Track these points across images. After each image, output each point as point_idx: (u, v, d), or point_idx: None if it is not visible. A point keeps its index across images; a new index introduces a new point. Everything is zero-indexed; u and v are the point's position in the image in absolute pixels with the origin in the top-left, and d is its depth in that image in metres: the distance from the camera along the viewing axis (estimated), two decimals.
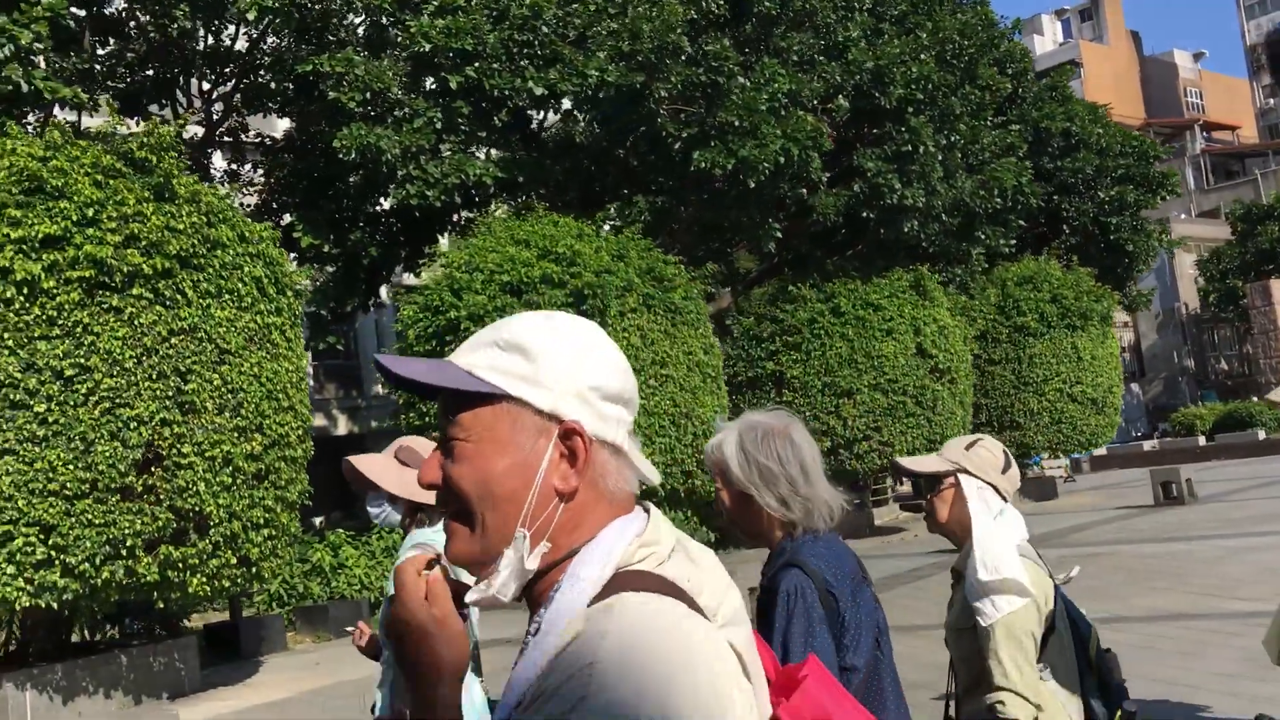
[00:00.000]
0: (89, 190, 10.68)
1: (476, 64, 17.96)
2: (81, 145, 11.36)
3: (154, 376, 10.66)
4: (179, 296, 10.89)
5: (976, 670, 3.01)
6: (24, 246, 10.25)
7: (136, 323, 10.60)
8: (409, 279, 25.32)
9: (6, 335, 10.11)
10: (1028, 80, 29.03)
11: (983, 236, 23.23)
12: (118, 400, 10.43)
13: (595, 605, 1.12)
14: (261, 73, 20.00)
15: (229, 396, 11.16)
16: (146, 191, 11.14)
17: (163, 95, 21.15)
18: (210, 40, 19.94)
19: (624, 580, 1.14)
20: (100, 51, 19.66)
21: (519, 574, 1.18)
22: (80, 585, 10.31)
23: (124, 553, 10.48)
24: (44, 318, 10.24)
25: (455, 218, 20.90)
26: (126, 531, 10.42)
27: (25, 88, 15.30)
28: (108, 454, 10.32)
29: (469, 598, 1.22)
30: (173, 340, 10.80)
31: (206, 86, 21.85)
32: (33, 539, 10.06)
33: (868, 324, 21.11)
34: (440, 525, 3.68)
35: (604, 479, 1.21)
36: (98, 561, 10.32)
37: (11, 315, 10.14)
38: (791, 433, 2.60)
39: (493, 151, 19.68)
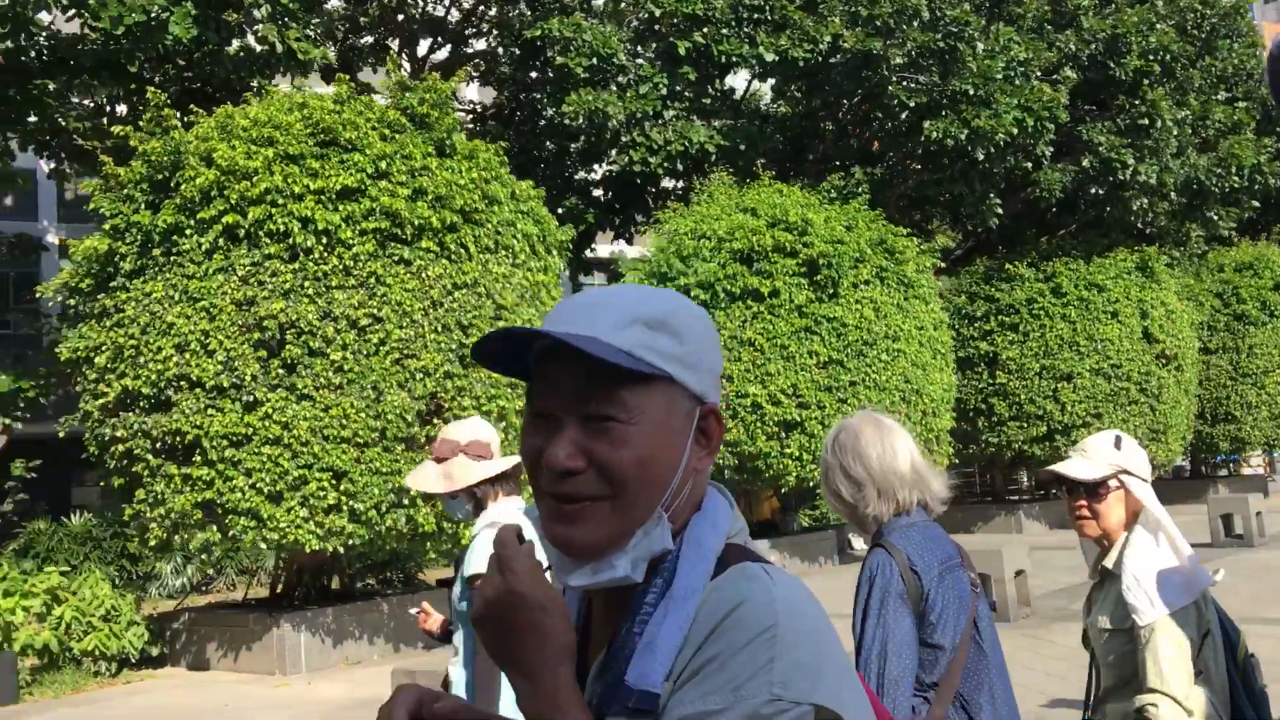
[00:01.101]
0: (379, 144, 10.82)
1: (705, 29, 17.74)
2: (364, 100, 11.52)
3: (439, 329, 10.76)
4: (461, 251, 10.97)
5: (1126, 671, 2.92)
6: (322, 197, 10.44)
7: (424, 275, 10.71)
8: (616, 248, 25.34)
9: (307, 284, 10.31)
10: (1256, 54, 27.42)
11: (1216, 218, 22.04)
12: (406, 351, 10.56)
13: (731, 571, 1.13)
14: (486, 38, 20.12)
15: None
16: (429, 146, 11.24)
17: (378, 59, 21.53)
18: (428, 6, 20.18)
19: (736, 553, 1.16)
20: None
21: (651, 553, 1.16)
22: (366, 531, 10.49)
23: (406, 502, 10.63)
24: (340, 267, 10.42)
25: (670, 185, 20.78)
26: None
27: (279, 47, 15.70)
28: (396, 403, 10.46)
29: (574, 582, 1.16)
30: (456, 294, 10.89)
31: (423, 52, 22.17)
32: (325, 484, 10.27)
33: (1091, 305, 20.25)
34: (509, 502, 3.50)
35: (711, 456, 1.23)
36: (383, 509, 10.48)
37: (311, 264, 10.34)
38: (880, 430, 2.71)
39: (712, 120, 19.46)
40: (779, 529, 18.70)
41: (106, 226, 10.57)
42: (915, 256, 17.06)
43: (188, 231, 10.36)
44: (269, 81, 16.55)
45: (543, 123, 19.93)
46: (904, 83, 18.17)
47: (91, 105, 19.02)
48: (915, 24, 17.73)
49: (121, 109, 19.79)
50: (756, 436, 15.79)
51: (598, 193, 21.31)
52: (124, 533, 19.36)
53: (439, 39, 22.07)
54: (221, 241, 10.32)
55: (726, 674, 1.06)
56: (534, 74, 19.59)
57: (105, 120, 18.59)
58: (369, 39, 21.99)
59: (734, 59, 17.72)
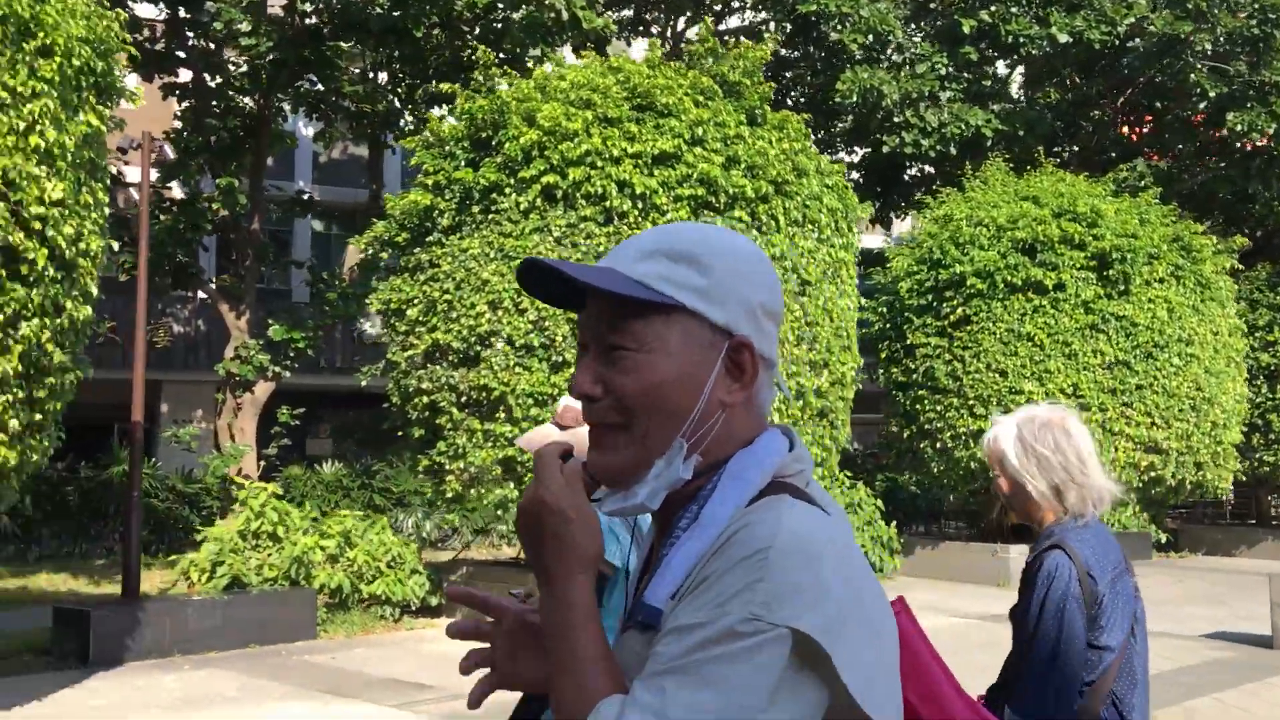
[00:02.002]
0: (694, 110, 10.66)
1: (993, 7, 16.96)
2: (676, 66, 11.39)
3: None
4: (771, 222, 10.72)
5: None
6: (639, 162, 10.34)
7: None
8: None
9: None
10: None
11: None
12: None
13: (761, 501, 1.15)
14: (744, 13, 19.84)
15: (806, 329, 10.92)
16: (740, 115, 11.03)
17: (635, 31, 21.53)
18: None
19: (779, 487, 1.17)
20: None
21: (671, 483, 1.18)
22: None
23: None
24: None
25: (929, 170, 20.08)
26: None
27: (565, 15, 15.80)
28: None
29: (607, 508, 1.21)
30: None
31: (681, 26, 22.06)
32: None
33: None
34: None
35: (758, 393, 1.23)
36: None
37: (625, 229, 10.27)
38: (1068, 424, 2.71)
39: (989, 103, 18.65)
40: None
41: (428, 182, 10.77)
42: (1212, 256, 15.91)
43: (507, 190, 10.44)
44: (551, 49, 16.72)
45: (803, 100, 19.53)
46: (1209, 70, 16.96)
47: (358, 70, 19.63)
48: (1224, 7, 16.50)
49: (383, 76, 20.47)
50: None
51: (854, 175, 20.78)
52: (370, 482, 20.13)
53: (695, 13, 21.92)
54: (539, 201, 10.36)
55: (715, 590, 1.08)
56: (799, 50, 19.18)
57: (367, 86, 19.10)
58: (627, 12, 22.03)
59: (1021, 39, 16.89)
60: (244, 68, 17.92)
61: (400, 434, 11.70)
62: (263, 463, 19.74)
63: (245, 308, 18.90)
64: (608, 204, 10.24)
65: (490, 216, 10.54)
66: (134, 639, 9.78)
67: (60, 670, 9.31)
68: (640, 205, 10.29)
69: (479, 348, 10.49)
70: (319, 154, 27.01)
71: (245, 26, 15.47)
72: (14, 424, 6.66)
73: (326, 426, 26.28)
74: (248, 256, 19.19)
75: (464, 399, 10.62)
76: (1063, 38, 16.56)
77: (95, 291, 7.31)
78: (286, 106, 19.64)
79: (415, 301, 10.94)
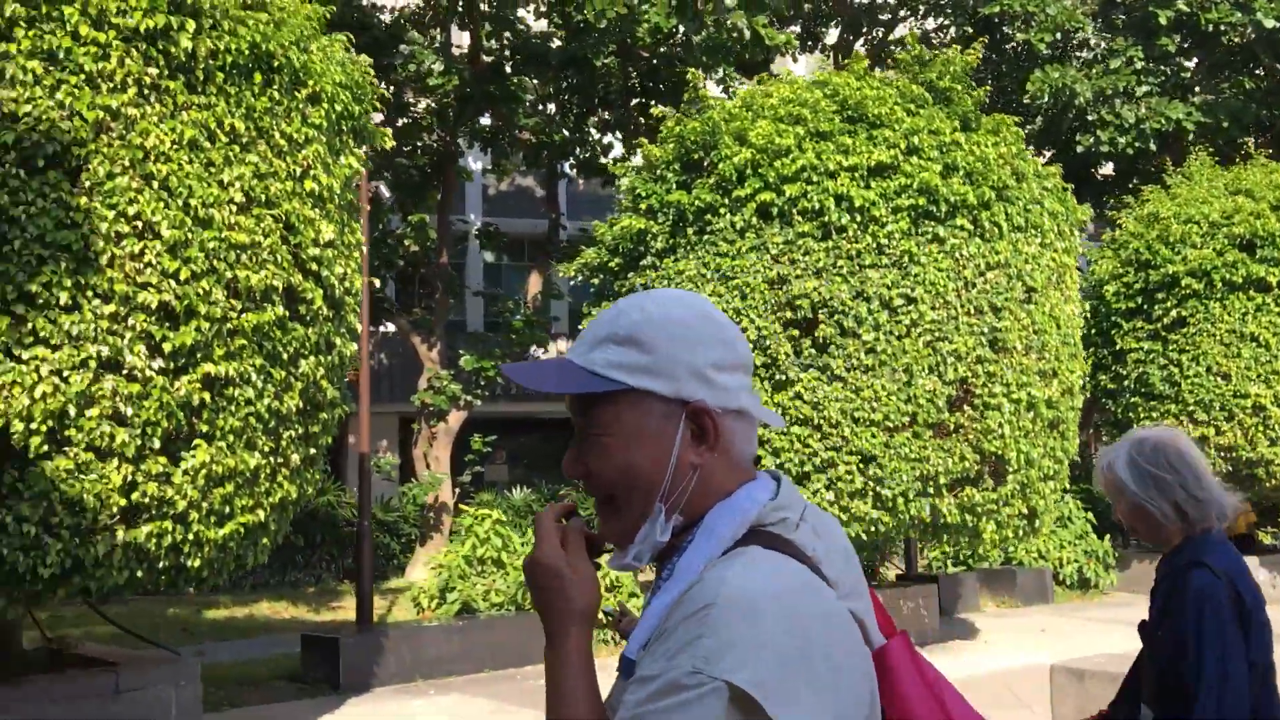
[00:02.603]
0: (907, 120, 10.45)
1: None
2: (881, 76, 11.20)
3: (971, 311, 10.27)
4: (994, 229, 10.41)
5: None
6: (855, 174, 10.19)
7: (958, 254, 10.24)
8: None
9: (840, 263, 10.10)
10: None
11: None
12: (938, 334, 10.13)
13: (732, 552, 1.22)
14: (940, 16, 19.46)
15: (1034, 337, 10.56)
16: (954, 121, 10.77)
17: (804, 47, 21.34)
18: None
19: (756, 538, 1.23)
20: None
21: (653, 545, 1.28)
22: (890, 519, 10.16)
23: (931, 490, 10.20)
24: (874, 246, 10.13)
25: (1117, 169, 19.31)
26: (938, 469, 10.12)
27: (747, 34, 15.77)
28: (927, 388, 10.06)
29: (611, 565, 1.31)
30: (988, 274, 10.35)
31: (846, 36, 21.77)
32: (853, 468, 10.02)
33: None
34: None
35: (732, 445, 1.29)
36: (910, 496, 10.11)
37: (845, 243, 10.13)
38: (1179, 443, 2.74)
39: (1188, 95, 17.84)
40: (1254, 544, 16.87)
41: (642, 206, 10.82)
42: None
43: (721, 210, 10.41)
44: (731, 69, 16.73)
45: (987, 102, 19.00)
46: None
47: (531, 101, 19.91)
48: None
49: (551, 107, 20.81)
50: (1257, 441, 14.27)
51: None
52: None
53: (869, 25, 21.63)
54: (754, 220, 10.30)
55: (667, 644, 1.16)
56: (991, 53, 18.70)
57: (542, 118, 19.35)
58: (794, 28, 21.90)
59: (1223, 27, 16.11)
60: (430, 106, 18.44)
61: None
62: (457, 490, 20.21)
63: (435, 339, 19.39)
64: (825, 219, 10.11)
65: (705, 238, 10.53)
66: (380, 665, 10.04)
67: (314, 697, 9.61)
68: (859, 218, 10.12)
69: None
70: (487, 186, 27.62)
71: (438, 67, 15.91)
72: (295, 458, 6.90)
73: (503, 452, 26.76)
74: (436, 289, 19.70)
75: None
76: (1269, 23, 15.72)
77: (360, 328, 7.54)
78: (461, 141, 20.11)
79: None
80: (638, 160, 11.44)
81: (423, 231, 18.19)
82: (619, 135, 22.36)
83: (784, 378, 10.14)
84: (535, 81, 18.93)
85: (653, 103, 21.13)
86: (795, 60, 21.98)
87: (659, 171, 10.94)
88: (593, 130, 21.51)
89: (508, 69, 18.17)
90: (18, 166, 5.52)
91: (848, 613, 1.24)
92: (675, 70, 18.52)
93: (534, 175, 27.32)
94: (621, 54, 18.35)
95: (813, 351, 10.11)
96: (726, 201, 10.41)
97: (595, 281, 11.64)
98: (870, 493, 10.11)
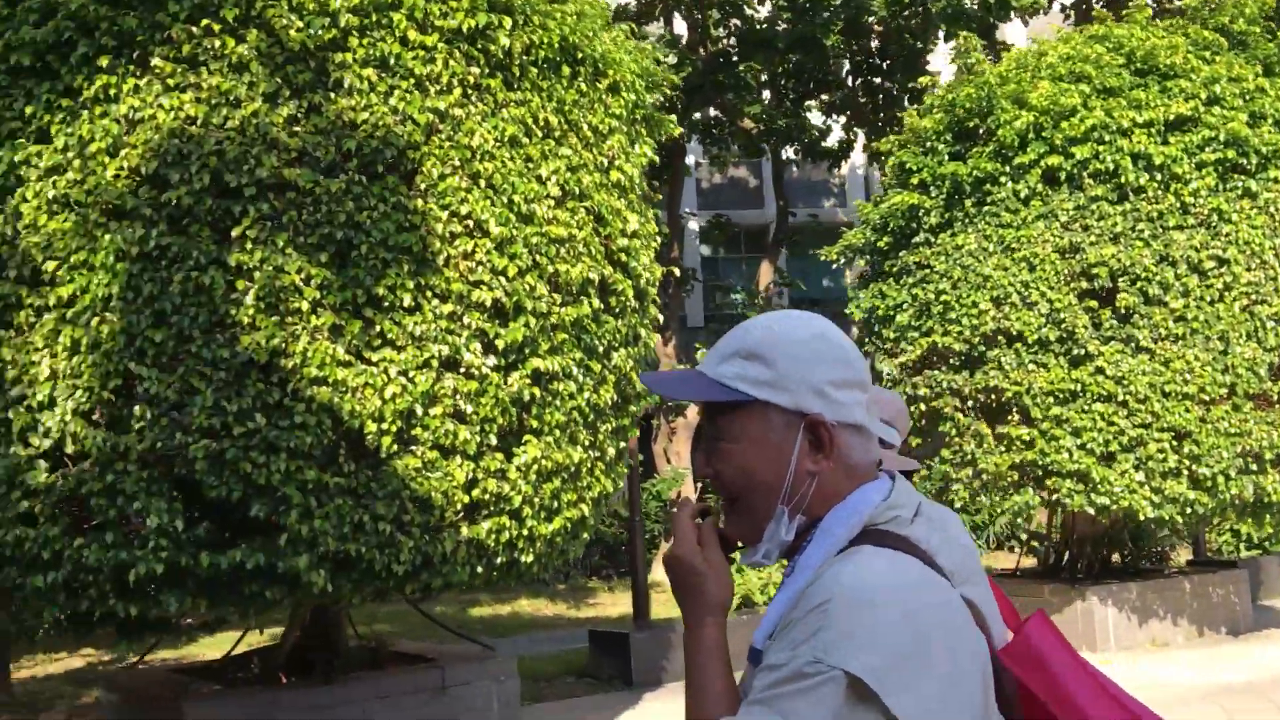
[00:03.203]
0: (1204, 68, 9.64)
1: None
2: (1165, 24, 10.40)
3: None
4: None
5: None
6: (1151, 130, 9.47)
7: (1273, 209, 9.38)
8: None
9: (1140, 225, 9.41)
10: None
11: None
12: (1255, 297, 9.32)
13: (846, 551, 1.33)
14: None
15: None
16: (1255, 67, 9.88)
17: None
18: None
19: (869, 537, 1.34)
20: None
21: (780, 543, 1.40)
22: (1209, 499, 9.39)
23: (1254, 466, 9.38)
24: (1177, 206, 9.41)
25: None
26: (1261, 443, 9.30)
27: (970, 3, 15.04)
28: (1245, 356, 9.25)
29: (743, 561, 1.46)
30: None
31: None
32: (1165, 445, 9.31)
33: None
34: None
35: (849, 455, 1.41)
36: (1231, 474, 9.32)
37: (1144, 204, 9.43)
38: None
39: None
40: None
41: (913, 181, 10.39)
42: None
43: (1002, 179, 9.87)
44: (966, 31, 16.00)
45: None
46: None
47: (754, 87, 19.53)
48: None
49: (766, 94, 20.44)
50: None
51: None
52: None
53: None
54: (1040, 187, 9.72)
55: (790, 636, 1.27)
56: None
57: (768, 104, 18.97)
58: None
59: None
60: (657, 100, 18.41)
61: None
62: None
63: (670, 334, 19.36)
64: (1120, 180, 9.43)
65: (985, 209, 10.01)
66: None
67: (608, 692, 9.61)
68: (1158, 177, 9.41)
69: (983, 348, 9.94)
70: (700, 180, 27.52)
71: (671, 59, 15.84)
72: (610, 452, 6.84)
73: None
74: (670, 284, 19.68)
75: (970, 403, 10.11)
76: None
77: (661, 319, 7.43)
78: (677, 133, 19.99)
79: (904, 306, 10.57)
80: (871, 142, 10.94)
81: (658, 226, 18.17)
82: (839, 118, 21.86)
83: (1082, 352, 9.52)
84: (759, 68, 18.65)
85: (879, 80, 20.55)
86: (1025, 23, 20.94)
87: (929, 144, 10.48)
88: (813, 114, 21.09)
89: (735, 57, 17.95)
90: (359, 173, 5.61)
91: (961, 601, 1.32)
92: (905, 43, 17.92)
93: (746, 165, 27.11)
94: (848, 32, 17.86)
95: (1114, 322, 9.46)
96: (1008, 169, 9.87)
97: (862, 263, 11.26)
98: (1185, 472, 9.37)
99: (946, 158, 10.34)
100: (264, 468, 5.42)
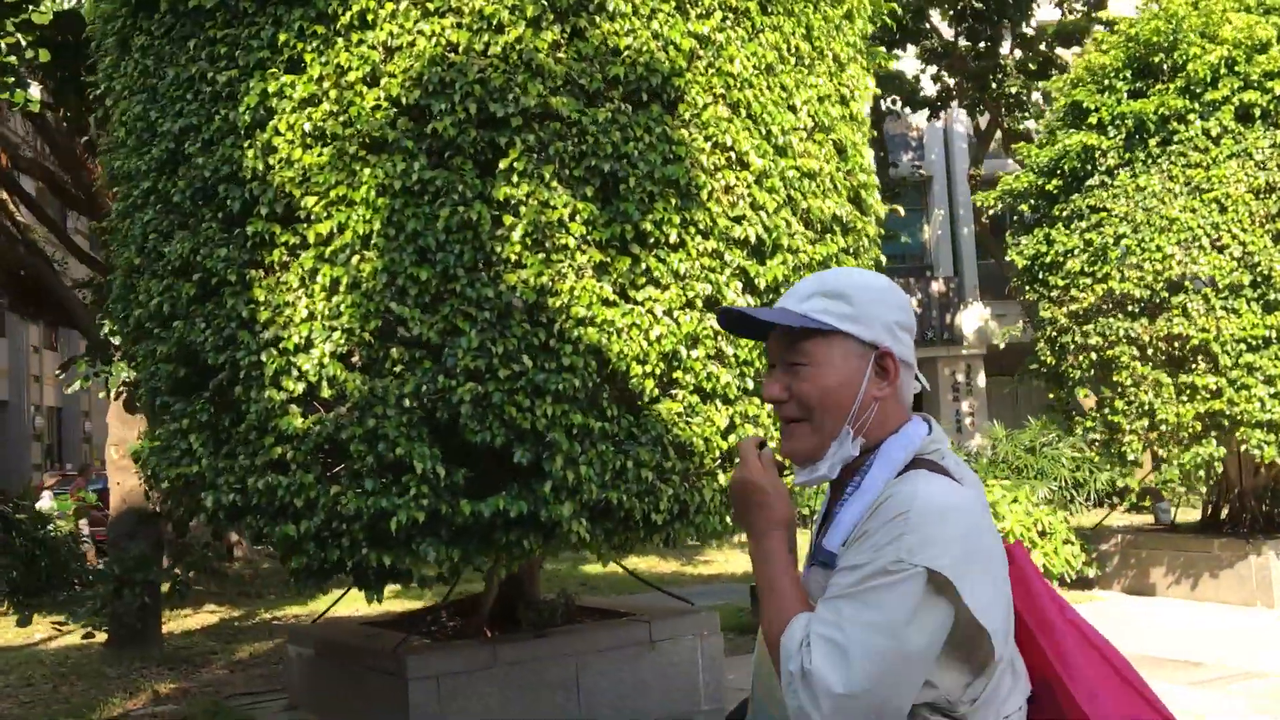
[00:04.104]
0: None
1: None
2: None
3: None
4: None
5: None
6: None
7: None
8: None
9: None
10: None
11: None
12: None
13: (903, 475, 1.60)
14: None
15: None
16: None
17: None
18: None
19: (920, 464, 1.62)
20: None
21: (844, 459, 1.64)
22: None
23: None
24: None
25: None
26: None
27: None
28: None
29: (798, 481, 1.68)
30: None
31: None
32: None
33: None
34: None
35: (902, 388, 1.69)
36: None
37: None
38: None
39: None
40: None
41: (1091, 120, 9.97)
42: None
43: (1190, 116, 9.44)
44: None
45: None
46: None
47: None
48: None
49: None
50: None
51: None
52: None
53: None
54: (1232, 124, 9.28)
55: (872, 541, 1.52)
56: None
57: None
58: None
59: None
60: None
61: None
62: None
63: None
64: None
65: (1170, 148, 9.58)
66: None
67: None
68: None
69: (1166, 293, 9.56)
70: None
71: None
72: None
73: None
74: None
75: (1149, 350, 9.74)
76: None
77: (884, 260, 7.13)
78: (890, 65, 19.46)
79: (1075, 252, 10.18)
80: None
81: None
82: (932, 67, 21.32)
83: (1277, 297, 9.11)
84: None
85: (980, 25, 19.99)
86: None
87: (1106, 81, 10.04)
88: (904, 62, 20.58)
89: None
90: (624, 101, 5.33)
91: (989, 510, 1.61)
92: None
93: None
94: None
95: None
96: (1197, 106, 9.43)
97: (1025, 208, 10.86)
98: None
99: (1126, 95, 9.91)
100: (529, 412, 5.19)
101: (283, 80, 5.29)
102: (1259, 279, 9.18)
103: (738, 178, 5.54)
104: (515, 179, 5.16)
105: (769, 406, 5.82)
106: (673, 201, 5.33)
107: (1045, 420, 18.76)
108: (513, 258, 5.17)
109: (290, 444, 5.37)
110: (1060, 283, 10.37)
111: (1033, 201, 10.80)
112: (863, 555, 1.51)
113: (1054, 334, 10.62)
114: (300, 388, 5.33)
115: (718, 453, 5.62)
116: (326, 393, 5.31)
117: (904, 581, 1.48)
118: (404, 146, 5.18)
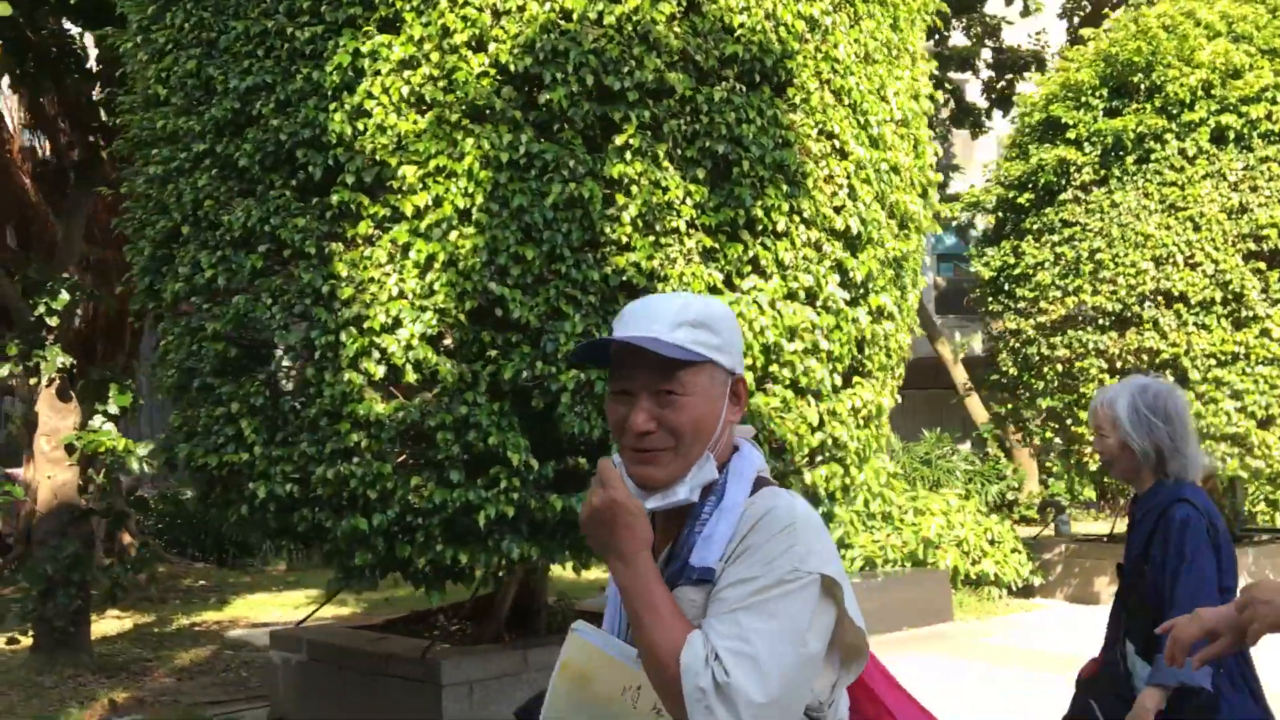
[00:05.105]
0: None
1: None
2: None
3: None
4: None
5: None
6: None
7: None
8: None
9: None
10: None
11: None
12: None
13: (761, 491, 1.68)
14: None
15: None
16: None
17: None
18: None
19: (763, 481, 1.71)
20: None
21: (704, 482, 1.67)
22: None
23: None
24: None
25: None
26: None
27: None
28: None
29: (650, 505, 1.66)
30: None
31: None
32: None
33: None
34: None
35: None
36: None
37: None
38: (1176, 398, 3.08)
39: None
40: None
41: (1069, 135, 10.20)
42: None
43: (1167, 136, 9.75)
44: None
45: None
46: None
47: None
48: None
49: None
50: None
51: None
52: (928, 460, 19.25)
53: None
54: (1207, 145, 9.62)
55: (761, 554, 1.57)
56: None
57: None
58: None
59: None
60: None
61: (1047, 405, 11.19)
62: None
63: None
64: None
65: (1147, 166, 9.87)
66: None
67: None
68: None
69: (1138, 308, 9.85)
70: None
71: None
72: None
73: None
74: None
75: (1117, 363, 10.01)
76: None
77: (928, 260, 7.09)
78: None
79: (1046, 265, 10.41)
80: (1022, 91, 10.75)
81: None
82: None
83: (1250, 314, 9.48)
84: None
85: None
86: None
87: (1083, 98, 10.29)
88: None
89: None
90: (737, 81, 5.13)
91: None
92: None
93: None
94: None
95: None
96: (1174, 127, 9.74)
97: (989, 221, 11.06)
98: None
99: (1101, 113, 10.18)
100: None
101: (377, 40, 4.90)
102: (1230, 296, 9.52)
103: (840, 167, 5.39)
104: (629, 156, 4.90)
105: (849, 403, 5.70)
106: (783, 188, 5.15)
107: (940, 433, 19.26)
108: (623, 239, 4.91)
109: (366, 431, 4.98)
110: (1029, 295, 10.57)
111: (1000, 213, 11.00)
112: (753, 569, 1.56)
113: (1018, 345, 10.82)
114: (381, 371, 4.95)
115: (806, 449, 5.45)
116: (411, 377, 4.94)
117: (802, 589, 1.54)
118: (510, 117, 4.86)
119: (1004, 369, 11.12)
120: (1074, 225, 10.25)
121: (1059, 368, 10.40)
